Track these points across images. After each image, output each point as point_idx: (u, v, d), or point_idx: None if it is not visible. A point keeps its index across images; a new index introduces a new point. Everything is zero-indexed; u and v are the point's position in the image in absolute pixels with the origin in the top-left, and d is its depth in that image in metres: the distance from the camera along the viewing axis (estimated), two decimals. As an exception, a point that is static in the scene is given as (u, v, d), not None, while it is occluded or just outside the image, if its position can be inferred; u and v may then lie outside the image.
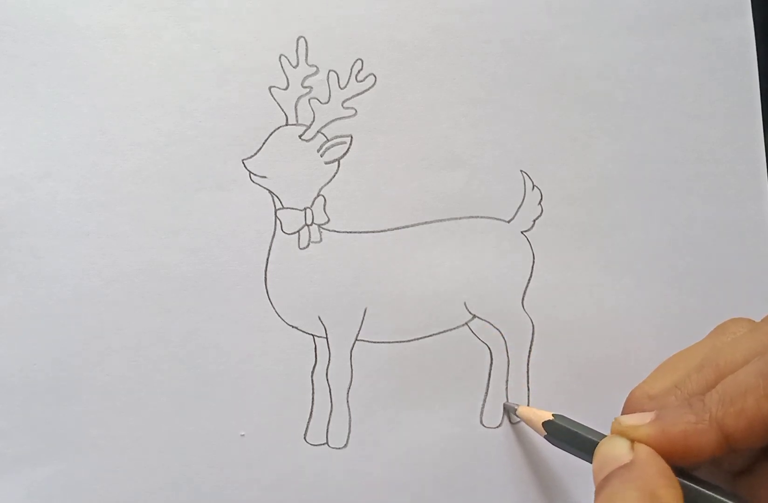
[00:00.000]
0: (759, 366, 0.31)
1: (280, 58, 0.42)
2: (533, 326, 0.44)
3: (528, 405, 0.43)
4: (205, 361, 0.41)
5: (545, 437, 0.38)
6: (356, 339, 0.42)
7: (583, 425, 0.37)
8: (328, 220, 0.42)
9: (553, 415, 0.39)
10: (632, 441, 0.32)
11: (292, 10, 0.42)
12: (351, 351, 0.42)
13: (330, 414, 0.42)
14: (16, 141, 0.40)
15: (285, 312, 0.41)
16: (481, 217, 0.43)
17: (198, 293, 0.41)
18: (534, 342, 0.44)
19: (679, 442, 0.31)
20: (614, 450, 0.32)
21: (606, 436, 0.34)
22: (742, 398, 0.31)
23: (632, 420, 0.32)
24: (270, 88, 0.42)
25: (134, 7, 0.41)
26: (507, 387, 0.43)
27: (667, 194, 0.45)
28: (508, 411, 0.42)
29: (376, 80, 0.42)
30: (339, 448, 0.42)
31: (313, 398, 0.42)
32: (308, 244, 0.42)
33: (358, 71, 0.42)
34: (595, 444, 0.34)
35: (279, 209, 0.42)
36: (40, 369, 0.40)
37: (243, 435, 0.41)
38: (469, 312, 0.43)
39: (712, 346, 0.36)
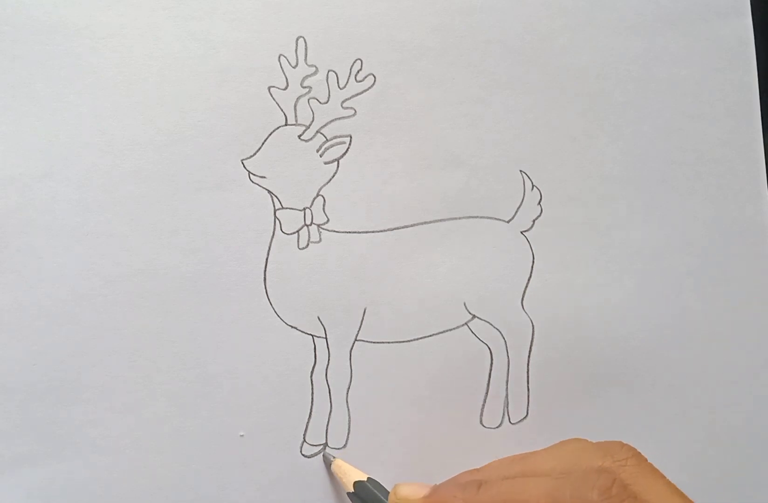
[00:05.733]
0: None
1: (279, 58, 0.42)
2: (533, 326, 0.44)
3: (528, 404, 0.43)
4: (204, 361, 0.41)
5: (348, 494, 0.40)
6: (356, 339, 0.42)
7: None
8: (328, 220, 0.42)
9: (368, 478, 0.40)
10: None
11: (291, 10, 0.42)
12: (351, 351, 0.42)
13: (329, 414, 0.42)
14: (16, 141, 0.40)
15: (284, 313, 0.41)
16: (481, 217, 0.43)
17: (197, 293, 0.41)
18: (534, 342, 0.44)
19: None
20: None
21: None
22: None
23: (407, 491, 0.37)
24: (269, 88, 0.42)
25: (134, 7, 0.41)
26: (507, 387, 0.43)
27: (667, 194, 0.45)
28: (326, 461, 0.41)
29: (375, 80, 0.42)
30: (339, 448, 0.42)
31: (312, 398, 0.42)
32: (308, 244, 0.42)
33: (358, 71, 0.42)
34: None
35: (278, 209, 0.42)
36: (40, 369, 0.40)
37: (242, 435, 0.41)
38: (469, 313, 0.43)
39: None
